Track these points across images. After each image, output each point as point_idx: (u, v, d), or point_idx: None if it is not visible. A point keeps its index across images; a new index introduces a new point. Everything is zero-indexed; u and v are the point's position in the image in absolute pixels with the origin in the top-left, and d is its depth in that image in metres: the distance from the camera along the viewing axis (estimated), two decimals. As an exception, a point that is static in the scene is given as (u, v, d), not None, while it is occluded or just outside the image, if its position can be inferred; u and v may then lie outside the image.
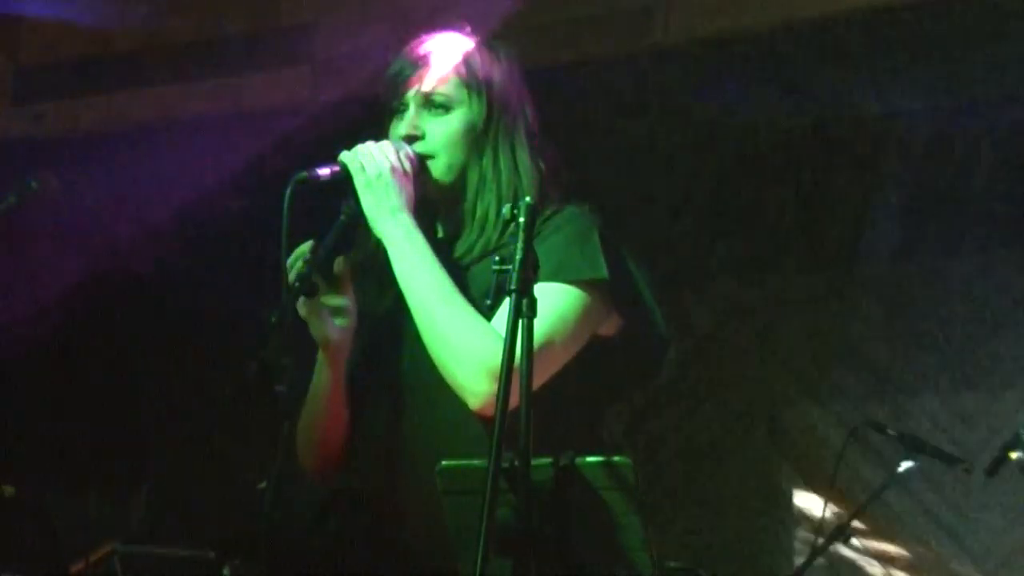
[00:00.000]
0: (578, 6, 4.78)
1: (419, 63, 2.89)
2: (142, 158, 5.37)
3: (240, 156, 5.14)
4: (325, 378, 2.85)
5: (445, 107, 2.87)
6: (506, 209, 2.52)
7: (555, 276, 2.71)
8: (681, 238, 5.63)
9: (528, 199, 2.50)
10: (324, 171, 2.79)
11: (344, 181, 2.80)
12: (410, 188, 2.82)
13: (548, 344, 2.69)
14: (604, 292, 2.78)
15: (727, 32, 4.71)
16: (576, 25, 4.76)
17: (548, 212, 2.81)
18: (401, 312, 2.84)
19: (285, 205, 2.71)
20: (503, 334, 2.45)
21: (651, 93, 4.98)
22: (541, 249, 2.52)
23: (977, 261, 5.52)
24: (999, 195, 5.35)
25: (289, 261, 2.78)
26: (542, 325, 2.54)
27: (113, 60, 5.29)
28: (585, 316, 2.77)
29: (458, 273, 2.84)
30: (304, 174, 2.77)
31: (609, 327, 2.82)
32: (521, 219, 2.48)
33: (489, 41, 2.96)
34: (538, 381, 2.59)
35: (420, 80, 2.87)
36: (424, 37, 2.95)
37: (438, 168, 2.86)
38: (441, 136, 2.86)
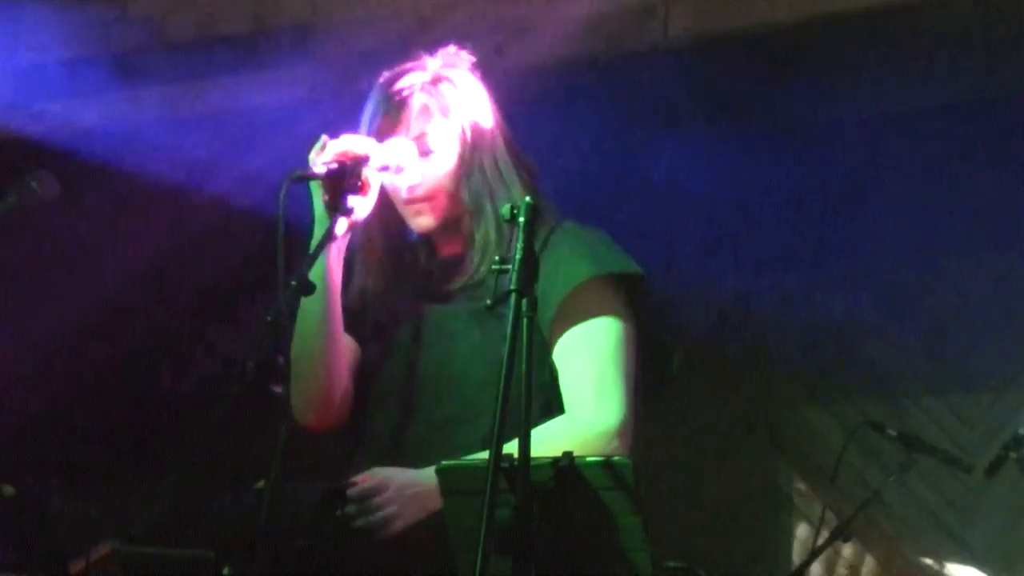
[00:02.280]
0: (577, 5, 4.78)
1: (401, 106, 2.90)
2: (142, 158, 5.37)
3: (240, 156, 5.14)
4: (318, 306, 2.83)
5: (434, 150, 2.90)
6: (505, 209, 2.54)
7: (596, 269, 2.77)
8: (681, 237, 5.63)
9: (528, 199, 2.51)
10: (319, 168, 2.80)
11: (339, 177, 2.80)
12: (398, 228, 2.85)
13: (619, 344, 2.76)
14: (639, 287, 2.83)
15: (727, 32, 4.71)
16: (575, 25, 4.75)
17: (545, 230, 2.83)
18: (420, 315, 2.86)
19: (280, 203, 2.71)
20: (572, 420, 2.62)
21: (651, 93, 4.98)
22: (565, 257, 2.66)
23: (977, 260, 5.52)
24: (999, 194, 5.35)
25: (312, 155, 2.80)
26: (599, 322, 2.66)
27: (114, 60, 5.29)
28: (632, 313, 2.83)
29: (465, 291, 2.86)
30: (299, 171, 2.78)
31: None
32: (521, 219, 2.49)
33: (456, 59, 2.98)
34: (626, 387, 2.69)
35: (404, 126, 2.89)
36: (393, 72, 2.95)
37: (438, 207, 2.89)
38: (437, 178, 2.89)
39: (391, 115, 2.90)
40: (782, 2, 4.65)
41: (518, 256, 2.46)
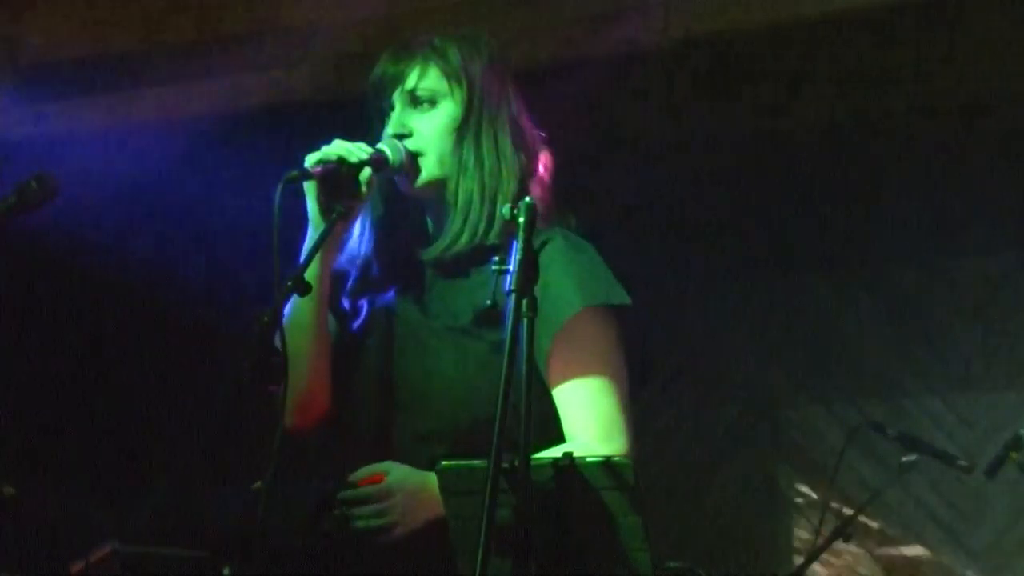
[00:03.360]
0: (577, 6, 4.78)
1: (401, 62, 2.89)
2: (142, 158, 5.37)
3: (240, 156, 5.13)
4: (307, 311, 2.82)
5: (430, 102, 2.88)
6: (506, 209, 2.53)
7: (587, 299, 2.77)
8: (680, 237, 5.63)
9: (528, 199, 2.51)
10: (315, 169, 2.79)
11: (334, 178, 2.79)
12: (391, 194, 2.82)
13: (618, 376, 2.75)
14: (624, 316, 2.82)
15: (727, 32, 4.71)
16: (575, 25, 4.75)
17: (541, 235, 2.80)
18: (401, 320, 2.85)
19: (276, 204, 2.70)
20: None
21: (650, 93, 4.98)
22: (555, 282, 2.64)
23: (977, 261, 5.52)
24: (1000, 195, 5.35)
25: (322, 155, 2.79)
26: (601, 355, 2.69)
27: (113, 60, 5.29)
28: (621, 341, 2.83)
29: (454, 279, 2.85)
30: (295, 172, 2.77)
31: None
32: (521, 219, 2.48)
33: (470, 35, 2.97)
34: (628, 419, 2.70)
35: (403, 79, 2.88)
36: (404, 38, 2.95)
37: (429, 164, 2.87)
38: (429, 132, 2.87)
39: (390, 69, 2.89)
40: (781, 2, 4.64)
41: (518, 257, 2.46)
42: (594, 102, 4.89)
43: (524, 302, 2.42)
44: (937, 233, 5.49)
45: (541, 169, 2.93)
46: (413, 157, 2.86)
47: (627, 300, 2.82)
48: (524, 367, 2.40)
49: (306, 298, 2.72)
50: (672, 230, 5.56)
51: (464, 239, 2.84)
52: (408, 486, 2.71)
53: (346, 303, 2.95)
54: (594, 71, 4.78)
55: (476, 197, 2.84)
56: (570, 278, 2.79)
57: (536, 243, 2.53)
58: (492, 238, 2.82)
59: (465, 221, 2.84)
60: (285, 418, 2.78)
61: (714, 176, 5.44)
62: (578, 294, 2.78)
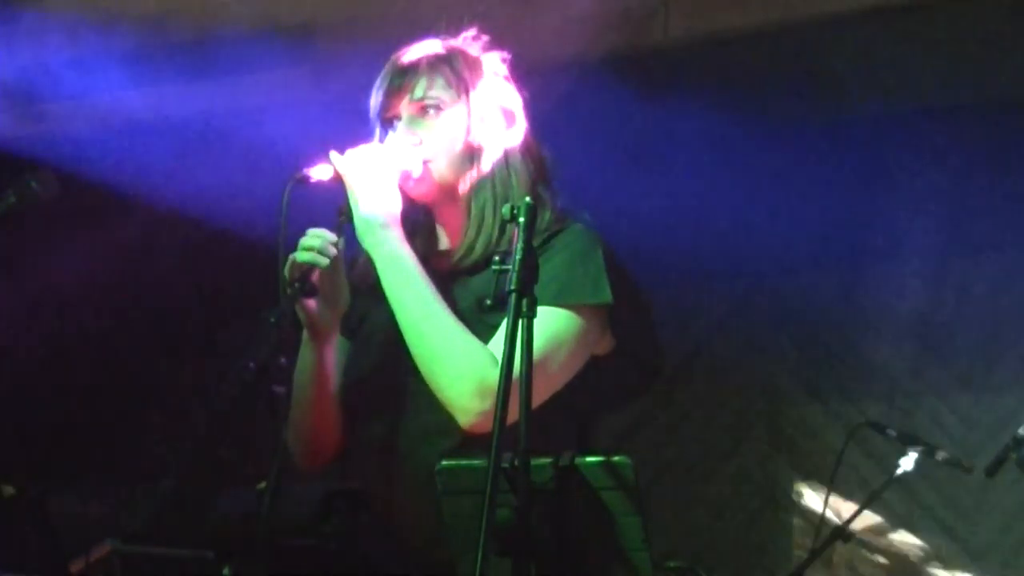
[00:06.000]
0: (578, 5, 4.78)
1: (407, 72, 2.90)
2: (142, 158, 5.37)
3: (240, 156, 5.14)
4: (308, 361, 2.84)
5: (437, 109, 2.88)
6: (506, 209, 2.53)
7: (557, 299, 2.72)
8: (681, 237, 5.63)
9: (528, 199, 2.51)
10: (323, 172, 2.80)
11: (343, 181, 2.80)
12: (402, 199, 2.83)
13: (544, 367, 2.69)
14: (604, 315, 2.79)
15: (727, 32, 4.71)
16: (575, 25, 4.76)
17: (550, 226, 2.80)
18: None
19: (284, 204, 2.71)
20: (501, 344, 2.47)
21: (651, 93, 4.98)
22: (544, 269, 2.54)
23: (977, 261, 5.53)
24: (1000, 195, 5.36)
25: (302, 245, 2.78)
26: (540, 348, 2.56)
27: (113, 60, 5.29)
28: (583, 340, 2.78)
29: (460, 276, 2.85)
30: (303, 172, 2.78)
31: (604, 346, 2.84)
32: (521, 219, 2.48)
33: (475, 42, 2.97)
34: (536, 401, 2.58)
35: (410, 88, 2.88)
36: (408, 45, 2.95)
37: (438, 172, 2.88)
38: (437, 140, 2.87)
39: (397, 80, 2.90)
40: (780, 2, 4.65)
41: (518, 256, 2.46)
42: (593, 102, 4.89)
43: (524, 302, 2.43)
44: (937, 232, 5.49)
45: (548, 170, 2.93)
46: (424, 164, 2.87)
47: (601, 300, 2.79)
48: (525, 365, 2.40)
49: (306, 375, 2.75)
50: (671, 229, 5.56)
51: (478, 250, 2.85)
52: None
53: (357, 307, 2.95)
54: (594, 71, 4.79)
55: (489, 208, 2.85)
56: (552, 271, 2.75)
57: (551, 230, 2.52)
58: (504, 244, 2.81)
59: (479, 232, 2.85)
60: (296, 453, 2.79)
61: (714, 175, 5.45)
62: (546, 291, 2.72)
